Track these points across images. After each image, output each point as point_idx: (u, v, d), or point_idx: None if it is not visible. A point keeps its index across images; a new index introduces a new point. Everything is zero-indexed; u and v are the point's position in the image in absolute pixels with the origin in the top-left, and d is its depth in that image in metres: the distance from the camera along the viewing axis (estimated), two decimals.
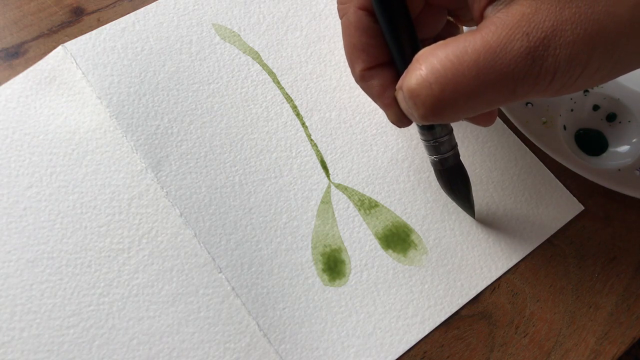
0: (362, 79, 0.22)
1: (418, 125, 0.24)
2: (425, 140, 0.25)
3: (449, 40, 0.18)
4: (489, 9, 0.18)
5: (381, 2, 0.20)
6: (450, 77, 0.18)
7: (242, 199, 0.28)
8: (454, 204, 0.29)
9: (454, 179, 0.26)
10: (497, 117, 0.31)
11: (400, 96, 0.20)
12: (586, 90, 0.31)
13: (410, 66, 0.19)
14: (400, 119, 0.22)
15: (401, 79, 0.20)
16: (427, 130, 0.24)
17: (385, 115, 0.23)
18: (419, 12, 0.21)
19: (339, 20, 0.22)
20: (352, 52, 0.21)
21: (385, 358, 0.26)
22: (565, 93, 0.19)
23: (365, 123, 0.30)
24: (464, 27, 0.27)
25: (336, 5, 0.32)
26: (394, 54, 0.21)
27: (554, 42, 0.17)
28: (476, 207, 0.29)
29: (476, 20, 0.19)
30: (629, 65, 0.18)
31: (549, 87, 0.18)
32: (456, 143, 0.25)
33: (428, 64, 0.18)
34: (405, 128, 0.30)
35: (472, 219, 0.29)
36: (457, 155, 0.26)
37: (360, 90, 0.25)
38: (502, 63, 0.17)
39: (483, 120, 0.25)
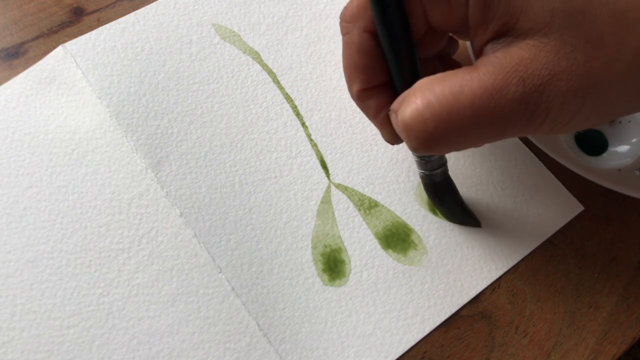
0: (359, 99, 0.22)
1: None
2: (415, 155, 0.26)
3: (447, 74, 0.19)
4: (489, 46, 0.18)
5: (386, 26, 0.20)
6: (445, 115, 0.18)
7: (242, 199, 0.28)
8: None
9: (440, 194, 0.27)
10: None
11: (393, 118, 0.21)
12: None
13: (406, 96, 0.19)
14: (394, 138, 0.23)
15: (396, 102, 0.20)
16: None
17: (381, 134, 0.24)
18: (422, 35, 0.21)
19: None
20: (352, 73, 0.22)
21: (385, 358, 0.26)
22: (553, 134, 0.19)
23: (365, 123, 0.30)
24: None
25: (336, 5, 0.33)
26: (393, 77, 0.21)
27: (548, 90, 0.17)
28: (476, 208, 0.29)
29: (475, 54, 0.20)
30: (617, 114, 0.19)
31: (538, 130, 0.18)
32: (446, 160, 0.26)
33: (424, 98, 0.18)
34: None
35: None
36: (446, 172, 0.26)
37: None
38: (496, 106, 0.17)
39: None
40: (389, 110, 0.21)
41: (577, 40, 0.17)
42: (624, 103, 0.18)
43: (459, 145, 0.19)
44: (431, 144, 0.19)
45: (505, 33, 0.18)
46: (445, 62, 0.25)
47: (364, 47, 0.21)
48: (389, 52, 0.20)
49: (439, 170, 0.26)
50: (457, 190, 0.28)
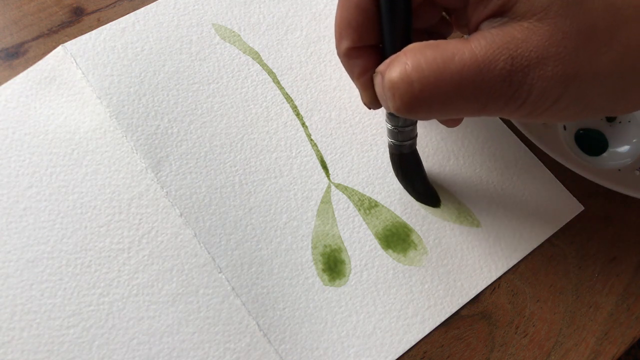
0: (347, 57, 0.22)
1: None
2: (388, 124, 0.26)
3: (440, 42, 0.19)
4: (485, 23, 0.19)
5: None
6: (432, 79, 0.18)
7: (242, 199, 0.28)
8: (453, 204, 0.29)
9: (405, 166, 0.28)
10: (498, 117, 0.31)
11: (377, 80, 0.21)
12: None
13: (396, 57, 0.19)
14: (373, 102, 0.23)
15: (383, 64, 0.20)
16: (393, 116, 0.25)
17: (360, 96, 0.24)
18: (417, 5, 0.22)
19: None
20: (344, 29, 0.22)
21: (385, 358, 0.26)
22: (533, 120, 0.20)
23: (365, 123, 0.30)
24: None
25: (336, 6, 0.33)
26: (385, 39, 0.21)
27: (533, 73, 0.17)
28: (476, 207, 0.29)
29: (470, 29, 0.20)
30: (595, 111, 0.19)
31: (516, 111, 0.19)
32: (416, 134, 0.26)
33: (415, 60, 0.19)
34: None
35: (472, 219, 0.29)
36: (414, 145, 0.27)
37: None
38: (482, 79, 0.18)
39: (449, 122, 0.26)
40: (374, 72, 0.21)
41: (570, 29, 0.17)
42: (604, 100, 0.18)
43: (440, 112, 0.19)
44: (414, 106, 0.19)
45: (503, 13, 0.18)
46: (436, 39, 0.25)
47: (362, 5, 0.21)
48: (386, 13, 0.21)
49: (408, 142, 0.26)
50: (422, 167, 0.28)
